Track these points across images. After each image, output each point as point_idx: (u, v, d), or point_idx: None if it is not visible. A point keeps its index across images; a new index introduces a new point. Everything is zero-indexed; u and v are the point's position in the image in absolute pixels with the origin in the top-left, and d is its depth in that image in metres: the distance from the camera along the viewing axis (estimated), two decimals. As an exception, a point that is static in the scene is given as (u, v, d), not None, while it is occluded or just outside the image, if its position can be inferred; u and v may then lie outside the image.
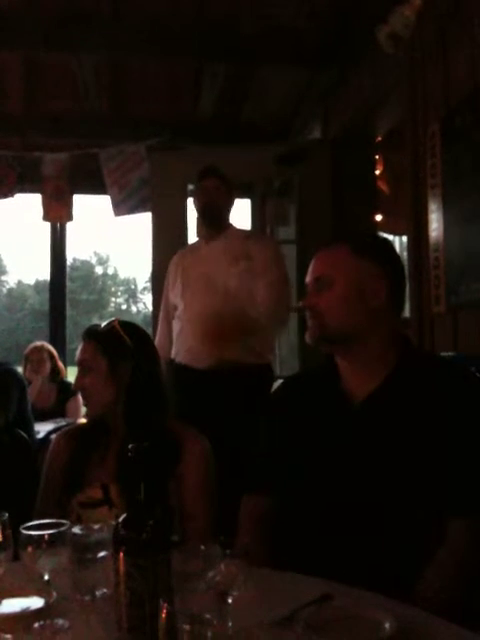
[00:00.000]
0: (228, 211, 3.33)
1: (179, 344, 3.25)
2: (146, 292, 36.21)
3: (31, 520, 1.24)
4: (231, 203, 3.35)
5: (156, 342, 3.35)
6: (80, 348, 1.89)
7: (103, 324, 1.92)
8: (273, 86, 4.63)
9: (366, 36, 3.28)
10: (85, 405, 1.92)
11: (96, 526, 1.32)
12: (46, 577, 1.19)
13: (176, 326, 3.30)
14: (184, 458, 1.80)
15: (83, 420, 3.60)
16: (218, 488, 1.85)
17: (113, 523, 1.09)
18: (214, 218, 3.27)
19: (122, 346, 1.85)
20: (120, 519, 1.07)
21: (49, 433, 3.86)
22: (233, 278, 3.14)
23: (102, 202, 5.39)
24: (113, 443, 1.84)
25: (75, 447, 1.90)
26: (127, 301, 39.00)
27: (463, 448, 1.47)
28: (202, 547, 1.12)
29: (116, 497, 1.76)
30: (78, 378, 1.88)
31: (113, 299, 38.58)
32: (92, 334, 1.90)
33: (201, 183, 3.30)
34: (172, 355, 3.28)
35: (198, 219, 3.34)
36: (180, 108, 5.06)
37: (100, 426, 1.91)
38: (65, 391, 4.88)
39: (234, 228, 3.35)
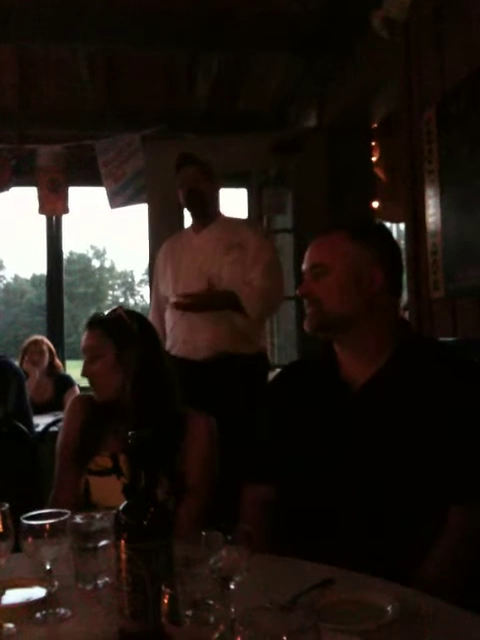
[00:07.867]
0: (213, 198, 3.25)
1: (174, 336, 3.19)
2: (143, 284, 36.01)
3: (30, 511, 1.24)
4: (215, 190, 3.26)
5: None
6: (85, 336, 1.91)
7: (106, 312, 1.94)
8: (268, 74, 4.62)
9: (361, 22, 3.27)
10: (94, 391, 1.94)
11: (97, 515, 1.33)
12: (48, 567, 1.20)
13: (170, 318, 3.23)
14: (188, 433, 1.84)
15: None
16: (219, 476, 1.86)
17: (114, 512, 1.10)
18: (199, 205, 3.20)
19: (128, 332, 1.88)
20: (121, 506, 1.07)
21: (48, 426, 3.86)
22: (226, 267, 3.09)
23: (98, 194, 5.37)
24: (125, 418, 1.86)
25: (90, 412, 1.94)
26: (124, 294, 38.83)
27: (463, 435, 1.47)
28: (203, 533, 1.12)
29: (125, 467, 1.80)
30: (86, 366, 1.90)
31: (110, 292, 38.39)
32: (97, 322, 1.92)
33: (179, 173, 3.23)
34: (167, 348, 3.24)
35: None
36: (175, 98, 5.04)
37: (111, 405, 1.93)
38: (63, 384, 4.89)
39: (224, 217, 3.29)
